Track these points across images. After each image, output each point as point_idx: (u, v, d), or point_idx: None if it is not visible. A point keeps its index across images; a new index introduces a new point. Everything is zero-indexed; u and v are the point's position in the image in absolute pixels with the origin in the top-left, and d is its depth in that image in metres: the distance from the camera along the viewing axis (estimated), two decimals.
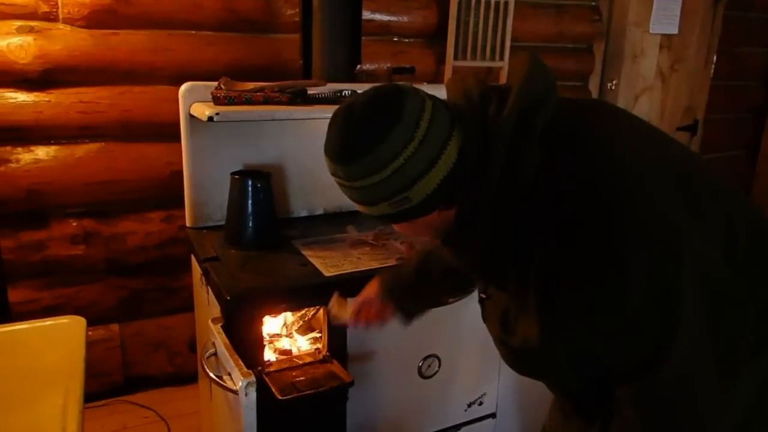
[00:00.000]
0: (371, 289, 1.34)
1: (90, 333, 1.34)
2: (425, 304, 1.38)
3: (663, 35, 3.19)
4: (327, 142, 0.87)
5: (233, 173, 1.74)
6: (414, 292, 1.31)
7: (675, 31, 3.20)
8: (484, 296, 1.07)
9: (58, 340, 1.29)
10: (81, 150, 2.08)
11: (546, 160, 0.82)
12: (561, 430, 1.11)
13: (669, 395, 0.81)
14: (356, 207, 0.91)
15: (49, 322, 1.37)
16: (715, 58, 3.43)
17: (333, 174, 0.89)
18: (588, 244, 0.79)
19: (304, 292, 1.51)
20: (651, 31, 3.13)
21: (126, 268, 2.24)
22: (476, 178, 0.84)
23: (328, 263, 1.60)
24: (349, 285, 1.53)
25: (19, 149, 2.01)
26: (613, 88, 3.15)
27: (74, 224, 2.13)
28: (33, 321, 1.38)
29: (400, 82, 0.91)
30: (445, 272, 1.26)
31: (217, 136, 1.85)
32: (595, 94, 3.15)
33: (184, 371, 2.41)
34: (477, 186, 0.84)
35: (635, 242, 0.78)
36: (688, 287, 0.77)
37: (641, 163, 0.84)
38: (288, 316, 1.69)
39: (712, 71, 3.45)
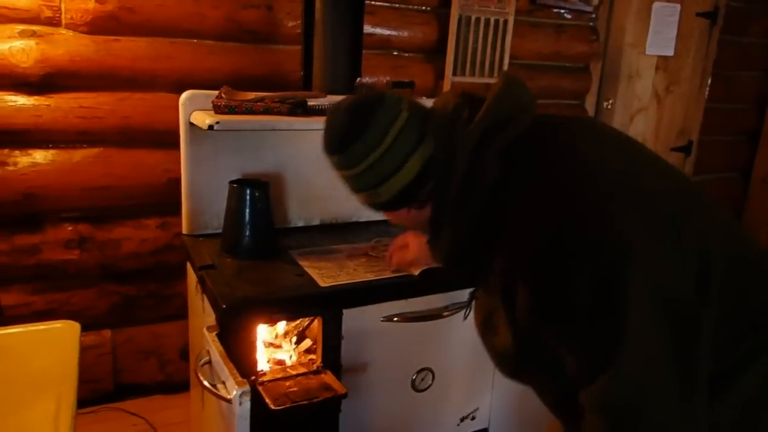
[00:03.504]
0: (417, 240, 1.48)
1: (81, 339, 1.33)
2: None
3: (659, 57, 3.23)
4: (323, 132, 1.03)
5: (231, 182, 1.74)
6: None
7: (671, 53, 3.25)
8: (472, 297, 1.14)
9: (52, 345, 1.28)
10: (79, 155, 2.08)
11: (508, 172, 0.90)
12: None
13: (623, 402, 0.83)
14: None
15: (42, 326, 1.37)
16: (709, 80, 3.47)
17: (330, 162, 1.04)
18: (538, 257, 0.84)
19: (299, 302, 1.51)
20: (647, 53, 3.17)
21: (120, 274, 2.23)
22: (440, 185, 0.94)
23: (324, 274, 1.60)
24: (345, 296, 1.54)
25: (17, 152, 2.01)
26: (609, 107, 3.18)
27: (69, 229, 2.12)
28: (26, 325, 1.37)
29: (385, 92, 1.02)
30: None
31: (217, 144, 1.85)
32: (591, 113, 3.18)
33: (174, 379, 2.39)
34: (441, 192, 0.94)
35: (582, 257, 0.81)
36: (636, 300, 0.79)
37: (603, 182, 0.87)
38: (283, 326, 1.68)
39: (706, 94, 3.49)
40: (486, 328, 1.06)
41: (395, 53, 2.56)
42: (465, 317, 1.18)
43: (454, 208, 0.93)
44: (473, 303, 1.13)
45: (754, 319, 0.94)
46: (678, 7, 3.17)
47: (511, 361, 1.02)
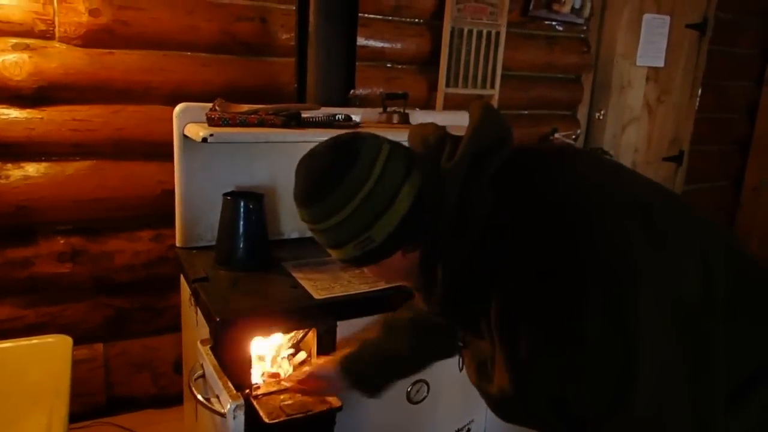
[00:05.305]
0: (327, 365, 1.38)
1: (74, 352, 1.32)
2: (394, 376, 1.42)
3: (649, 67, 3.27)
4: (294, 189, 0.92)
5: (225, 194, 1.74)
6: (380, 367, 1.36)
7: (661, 63, 3.28)
8: (461, 345, 1.06)
9: (44, 359, 1.28)
10: (72, 167, 2.08)
11: (500, 201, 0.85)
12: None
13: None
14: (329, 252, 0.94)
15: (34, 340, 1.36)
16: (700, 91, 3.51)
17: (302, 219, 0.92)
18: (541, 285, 0.79)
19: (294, 315, 1.51)
20: (638, 64, 3.20)
21: (113, 287, 2.21)
22: (433, 218, 0.87)
23: (318, 286, 1.60)
24: (339, 308, 1.53)
25: (9, 165, 2.00)
26: (600, 118, 3.20)
27: (62, 242, 2.11)
28: (18, 339, 1.37)
29: (359, 130, 0.95)
30: (418, 338, 1.30)
31: (210, 156, 1.85)
32: (583, 124, 3.21)
33: (168, 393, 2.37)
34: (434, 227, 0.87)
35: (590, 280, 0.77)
36: (646, 319, 0.76)
37: (599, 200, 0.84)
38: (277, 339, 1.68)
39: (697, 104, 3.52)
40: (480, 377, 1.00)
41: (388, 65, 2.57)
42: (460, 369, 1.09)
43: (450, 242, 0.86)
44: (463, 353, 1.07)
45: (760, 335, 0.90)
46: (668, 18, 3.21)
47: (510, 407, 0.96)
